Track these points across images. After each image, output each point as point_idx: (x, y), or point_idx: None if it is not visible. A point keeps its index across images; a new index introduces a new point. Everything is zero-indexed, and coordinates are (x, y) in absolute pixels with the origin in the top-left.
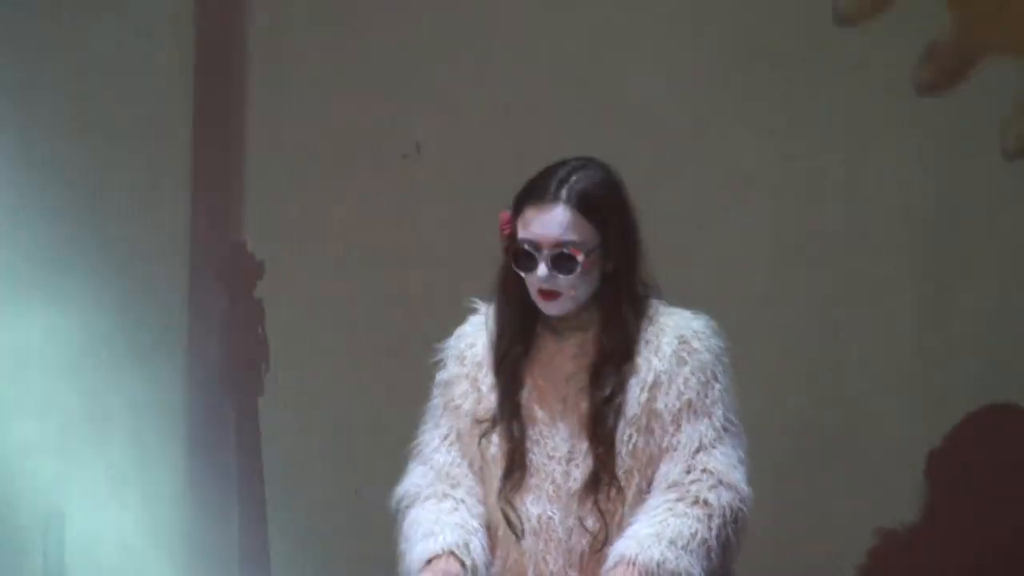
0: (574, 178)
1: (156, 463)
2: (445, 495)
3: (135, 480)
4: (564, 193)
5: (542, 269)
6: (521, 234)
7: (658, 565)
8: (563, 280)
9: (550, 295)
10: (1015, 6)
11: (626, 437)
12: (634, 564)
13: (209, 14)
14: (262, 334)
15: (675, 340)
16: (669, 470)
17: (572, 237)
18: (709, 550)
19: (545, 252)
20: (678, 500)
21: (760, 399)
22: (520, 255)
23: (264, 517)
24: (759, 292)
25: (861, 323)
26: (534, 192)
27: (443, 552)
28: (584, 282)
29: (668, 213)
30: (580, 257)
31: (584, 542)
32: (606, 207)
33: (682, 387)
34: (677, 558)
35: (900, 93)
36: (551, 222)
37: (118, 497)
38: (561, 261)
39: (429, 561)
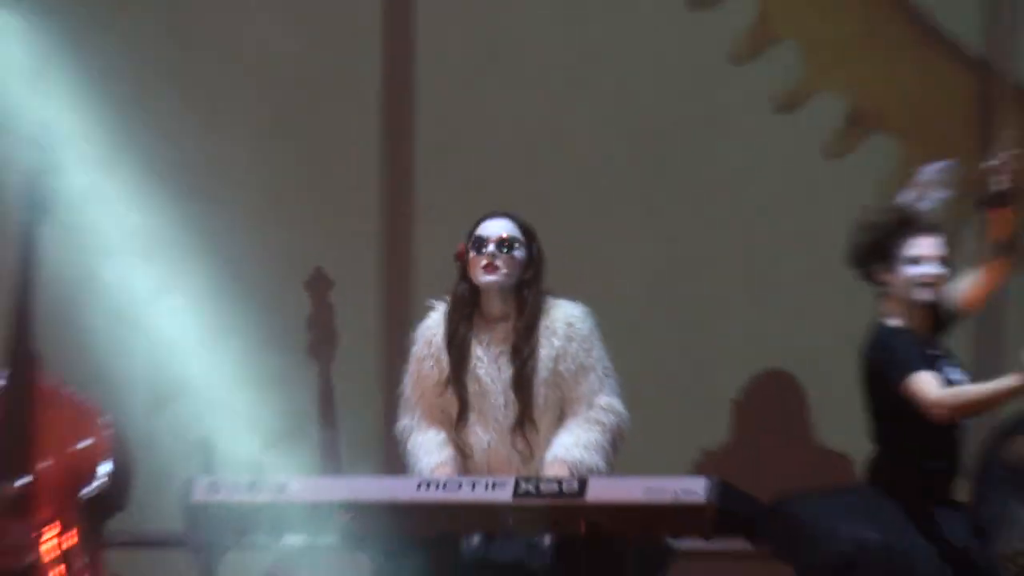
0: (513, 213)
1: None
2: (429, 428)
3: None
4: (509, 215)
5: (491, 247)
6: (478, 233)
7: (579, 462)
8: (503, 258)
9: (492, 268)
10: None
11: (540, 392)
12: (564, 462)
13: None
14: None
15: (564, 324)
16: (578, 408)
17: (514, 235)
18: (606, 453)
19: (494, 239)
20: (585, 422)
21: (638, 364)
22: (476, 242)
23: None
24: (635, 295)
25: (705, 317)
26: (488, 216)
27: (442, 463)
28: (513, 268)
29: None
30: (517, 246)
31: (517, 458)
32: (531, 234)
33: (575, 356)
34: (590, 457)
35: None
36: (501, 225)
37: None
38: (504, 244)
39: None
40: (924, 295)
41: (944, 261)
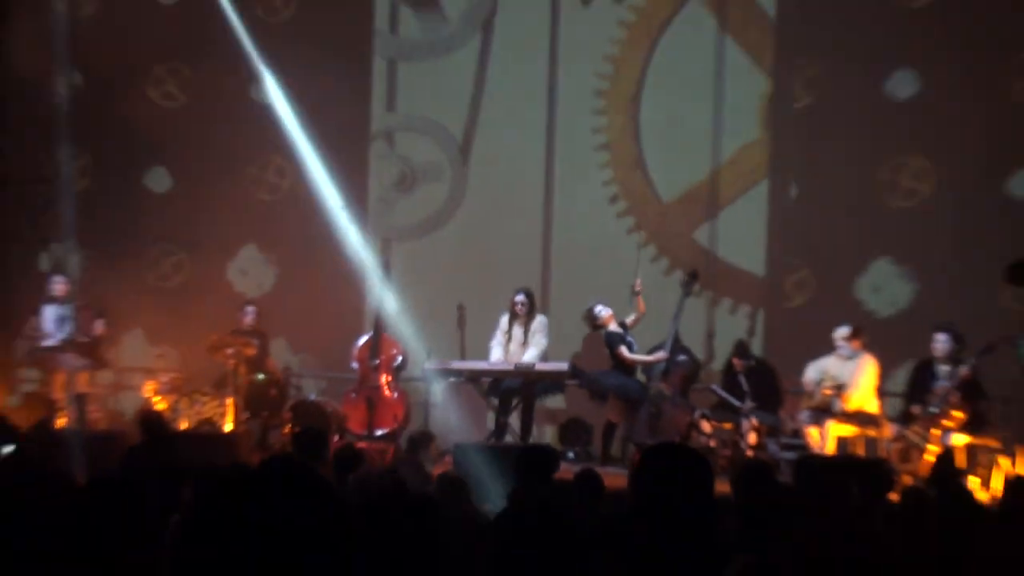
0: (526, 288)
1: None
2: (499, 347)
3: None
4: (524, 290)
5: (519, 304)
6: (514, 298)
7: (532, 358)
8: (522, 307)
9: (521, 309)
10: None
11: (529, 336)
12: (529, 359)
13: None
14: None
15: (538, 320)
16: (534, 341)
17: (525, 299)
18: (540, 357)
19: (520, 299)
20: (535, 346)
21: (554, 332)
22: (513, 301)
23: None
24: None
25: (568, 301)
26: (518, 290)
27: (500, 358)
28: (525, 308)
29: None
30: (527, 300)
31: (520, 357)
32: (531, 294)
33: (540, 329)
34: (534, 359)
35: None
36: (520, 294)
37: None
38: (522, 302)
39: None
40: (605, 319)
41: (606, 305)
